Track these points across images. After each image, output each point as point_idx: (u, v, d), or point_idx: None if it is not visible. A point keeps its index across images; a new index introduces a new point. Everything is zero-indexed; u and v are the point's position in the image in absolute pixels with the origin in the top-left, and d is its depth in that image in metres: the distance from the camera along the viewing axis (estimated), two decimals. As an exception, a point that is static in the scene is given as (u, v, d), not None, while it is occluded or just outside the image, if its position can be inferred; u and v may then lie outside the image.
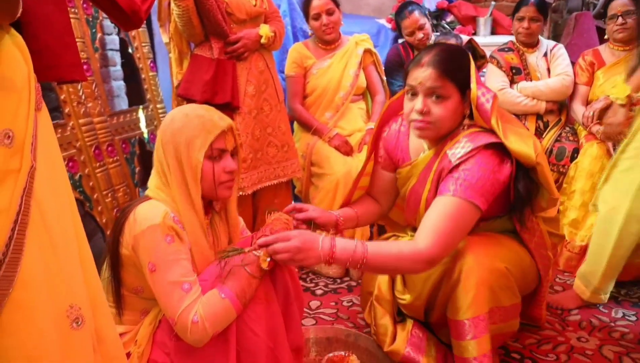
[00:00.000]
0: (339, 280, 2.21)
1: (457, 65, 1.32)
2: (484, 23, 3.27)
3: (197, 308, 1.06)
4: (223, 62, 1.90)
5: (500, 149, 1.32)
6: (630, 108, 1.94)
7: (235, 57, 1.94)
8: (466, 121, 1.37)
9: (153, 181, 1.19)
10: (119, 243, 1.12)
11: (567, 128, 2.47)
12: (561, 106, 2.55)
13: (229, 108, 1.93)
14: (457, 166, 1.30)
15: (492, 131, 1.33)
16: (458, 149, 1.31)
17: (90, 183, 2.01)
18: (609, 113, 2.06)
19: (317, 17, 2.37)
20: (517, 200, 1.36)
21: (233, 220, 1.31)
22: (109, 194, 2.10)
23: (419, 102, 1.32)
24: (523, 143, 1.32)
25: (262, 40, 1.96)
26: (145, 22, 2.61)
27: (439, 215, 1.25)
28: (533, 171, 1.36)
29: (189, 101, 1.93)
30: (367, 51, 2.50)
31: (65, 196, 0.82)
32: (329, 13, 2.36)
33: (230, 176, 1.19)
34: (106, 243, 1.20)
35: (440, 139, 1.40)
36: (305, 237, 1.16)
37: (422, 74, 1.31)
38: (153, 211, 1.10)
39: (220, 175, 1.16)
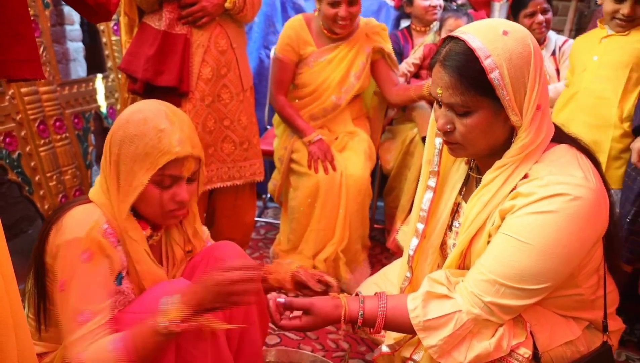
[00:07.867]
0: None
1: None
2: (499, 9, 2.94)
3: (85, 347, 0.90)
4: (171, 36, 1.57)
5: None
6: None
7: (191, 22, 1.59)
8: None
9: (98, 180, 1.05)
10: (44, 250, 0.98)
11: None
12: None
13: (175, 94, 1.61)
14: None
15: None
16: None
17: (32, 163, 1.76)
18: None
19: (335, 4, 1.83)
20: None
21: (193, 230, 1.16)
22: (54, 177, 1.84)
23: None
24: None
25: (227, 5, 1.60)
26: None
27: None
28: None
29: (131, 77, 1.63)
30: (378, 51, 2.00)
31: None
32: (351, 2, 1.82)
33: (179, 206, 1.04)
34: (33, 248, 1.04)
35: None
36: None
37: None
38: (83, 220, 0.97)
39: (167, 203, 1.02)
